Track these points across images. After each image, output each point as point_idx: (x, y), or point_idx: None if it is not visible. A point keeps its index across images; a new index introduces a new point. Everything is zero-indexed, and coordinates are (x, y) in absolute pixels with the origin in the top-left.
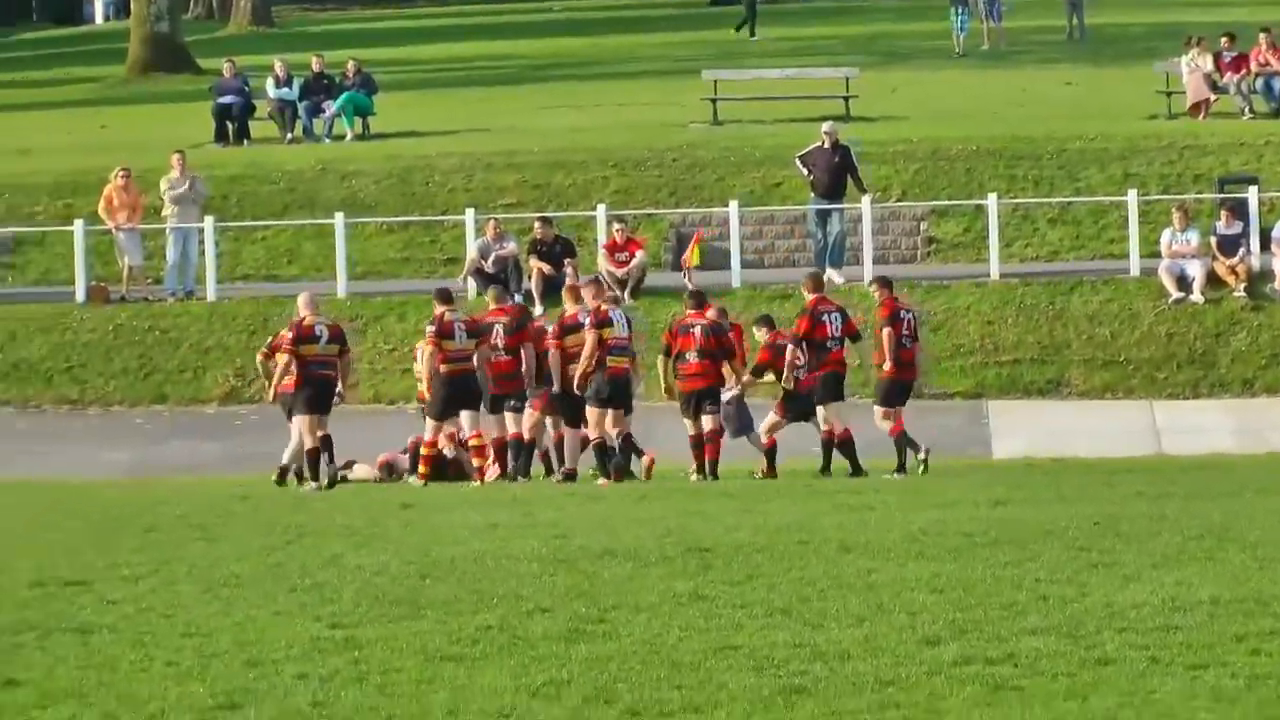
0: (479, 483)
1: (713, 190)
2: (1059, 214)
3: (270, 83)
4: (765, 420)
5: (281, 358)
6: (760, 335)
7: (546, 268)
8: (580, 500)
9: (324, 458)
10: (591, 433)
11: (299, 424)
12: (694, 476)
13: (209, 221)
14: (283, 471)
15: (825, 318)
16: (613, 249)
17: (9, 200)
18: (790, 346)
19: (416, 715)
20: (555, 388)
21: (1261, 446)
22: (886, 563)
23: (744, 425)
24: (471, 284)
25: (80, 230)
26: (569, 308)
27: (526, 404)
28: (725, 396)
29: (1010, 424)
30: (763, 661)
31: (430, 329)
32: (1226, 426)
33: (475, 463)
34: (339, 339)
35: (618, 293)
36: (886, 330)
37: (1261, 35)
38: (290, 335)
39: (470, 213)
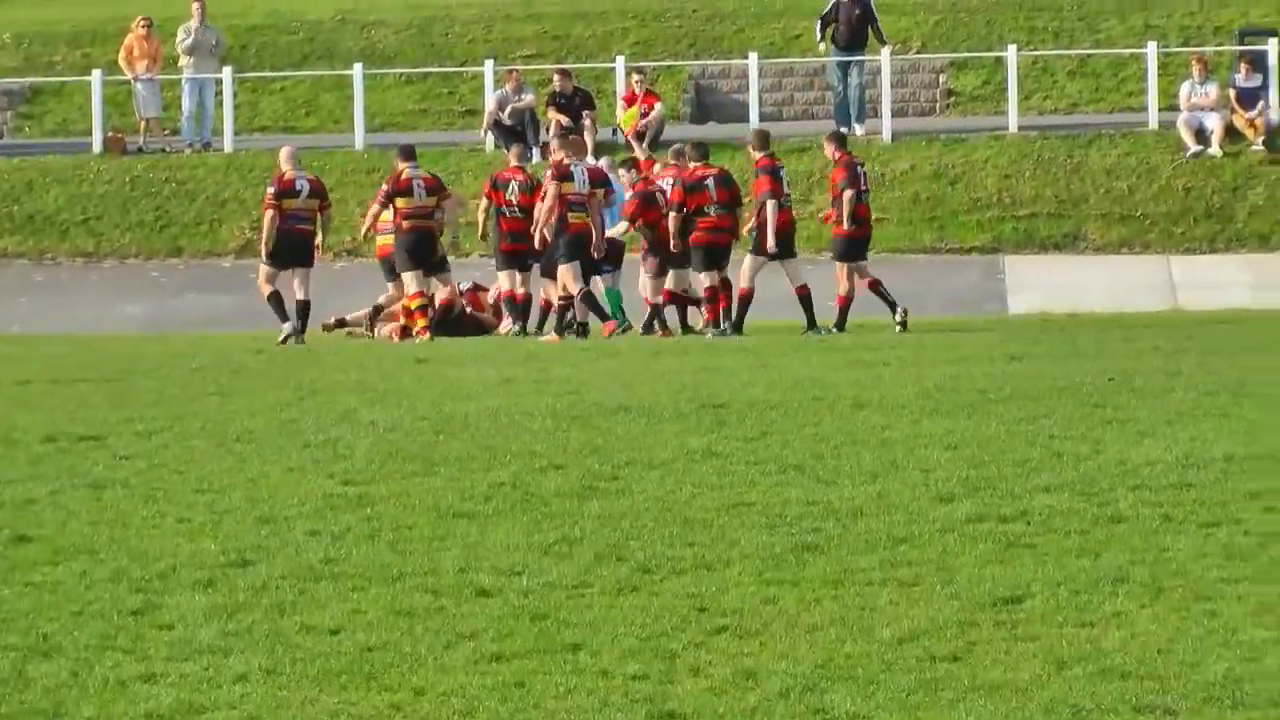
0: (421, 339)
1: (732, 41)
2: (1078, 66)
3: None
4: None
5: (265, 214)
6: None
7: (565, 119)
8: (595, 356)
9: (292, 314)
10: (560, 290)
11: (262, 271)
12: (710, 331)
13: (227, 72)
14: (339, 322)
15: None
16: (630, 100)
17: (27, 49)
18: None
19: (428, 572)
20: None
21: (1278, 302)
22: (900, 419)
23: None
24: (490, 137)
25: (98, 80)
26: (563, 158)
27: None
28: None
29: (1026, 279)
30: (775, 519)
31: (384, 186)
32: (1243, 281)
33: (417, 321)
34: (319, 193)
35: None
36: (848, 192)
37: None
38: (271, 190)
39: (489, 64)
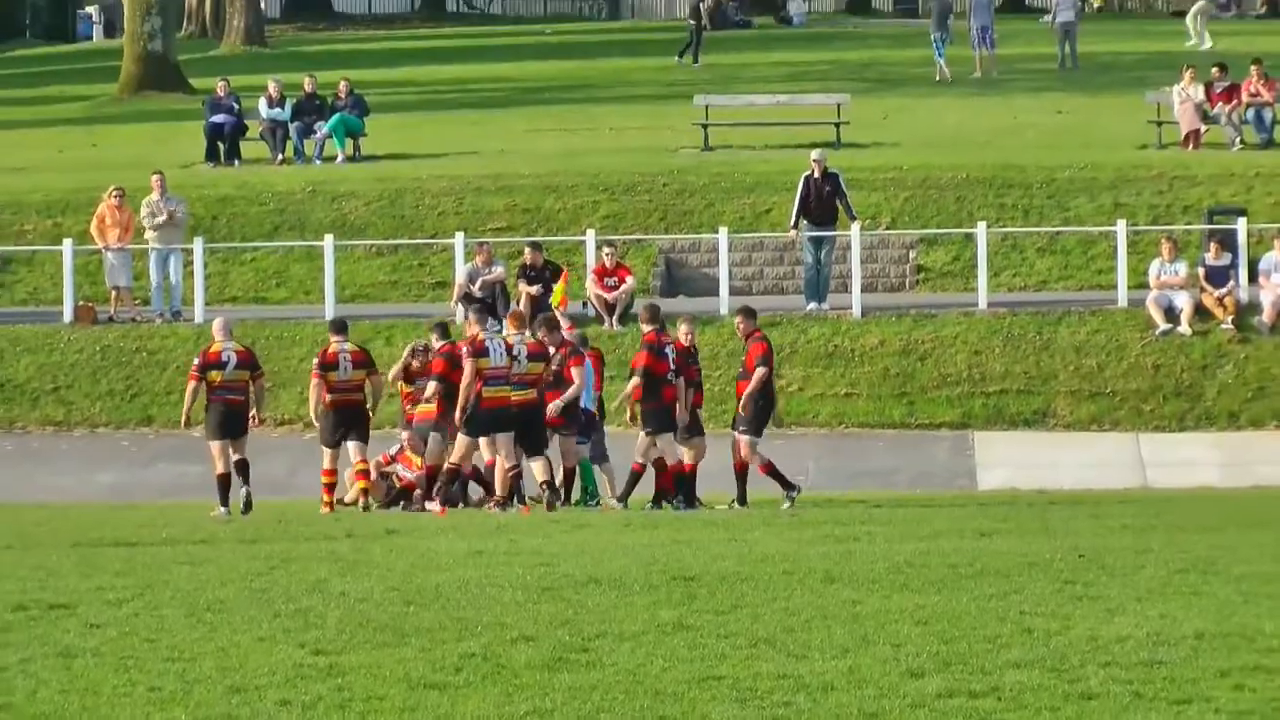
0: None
1: (702, 216)
2: (1048, 243)
3: (263, 102)
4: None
5: (189, 384)
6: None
7: (535, 291)
8: (565, 528)
9: (238, 481)
10: (453, 457)
11: (211, 449)
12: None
13: (198, 242)
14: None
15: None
16: (601, 274)
17: None
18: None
19: None
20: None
21: (1247, 480)
22: (871, 594)
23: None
24: (460, 308)
25: (69, 250)
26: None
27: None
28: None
29: (996, 455)
30: (746, 692)
31: (315, 362)
32: (1212, 459)
33: (359, 484)
34: (247, 364)
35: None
36: (762, 370)
37: (1253, 66)
38: (196, 362)
39: (460, 236)
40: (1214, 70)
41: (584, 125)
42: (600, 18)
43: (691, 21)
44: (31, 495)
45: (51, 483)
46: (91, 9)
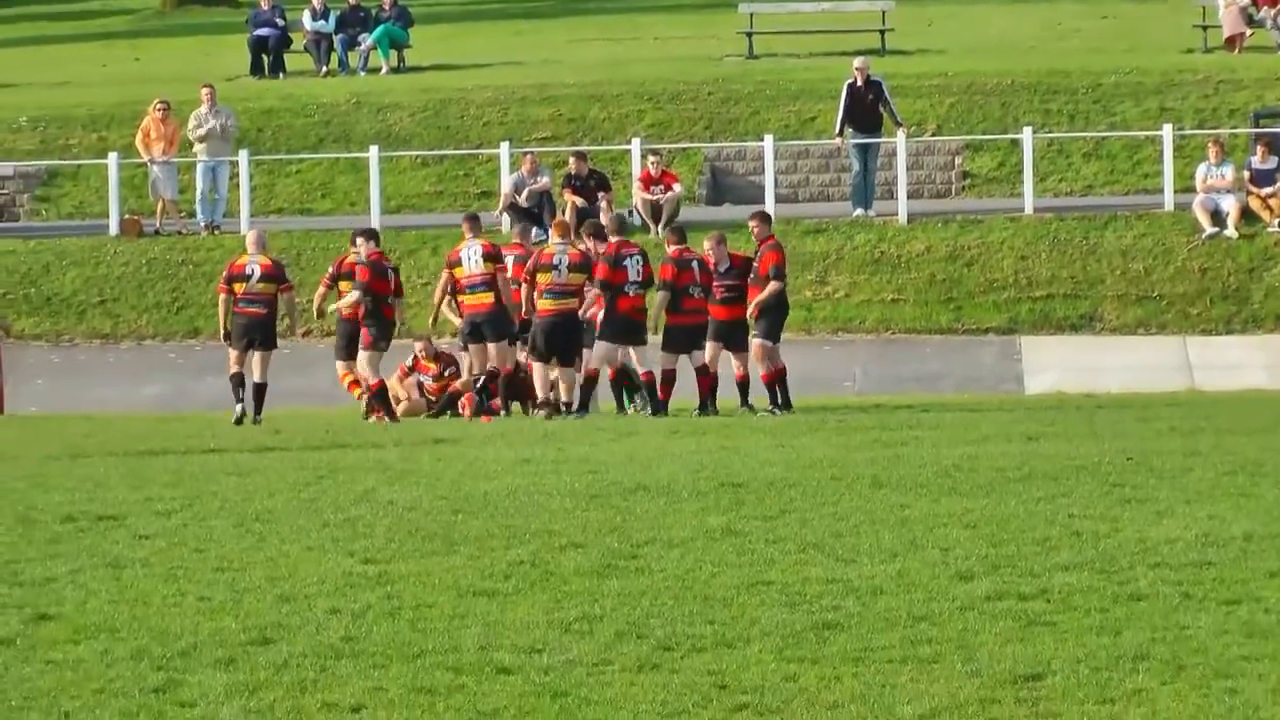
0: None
1: (747, 124)
2: (1094, 148)
3: (306, 15)
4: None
5: (219, 297)
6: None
7: (580, 201)
8: (612, 435)
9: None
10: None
11: (229, 356)
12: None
13: (243, 154)
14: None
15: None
16: (647, 181)
17: (44, 133)
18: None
19: (449, 650)
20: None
21: None
22: (919, 498)
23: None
24: (506, 219)
25: (114, 163)
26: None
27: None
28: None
29: (1043, 359)
30: (795, 597)
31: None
32: (1259, 362)
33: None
34: (273, 276)
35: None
36: (776, 283)
37: None
38: (225, 274)
39: (505, 146)
40: None
41: (628, 34)
42: None
43: None
44: (79, 407)
45: (98, 395)
46: None
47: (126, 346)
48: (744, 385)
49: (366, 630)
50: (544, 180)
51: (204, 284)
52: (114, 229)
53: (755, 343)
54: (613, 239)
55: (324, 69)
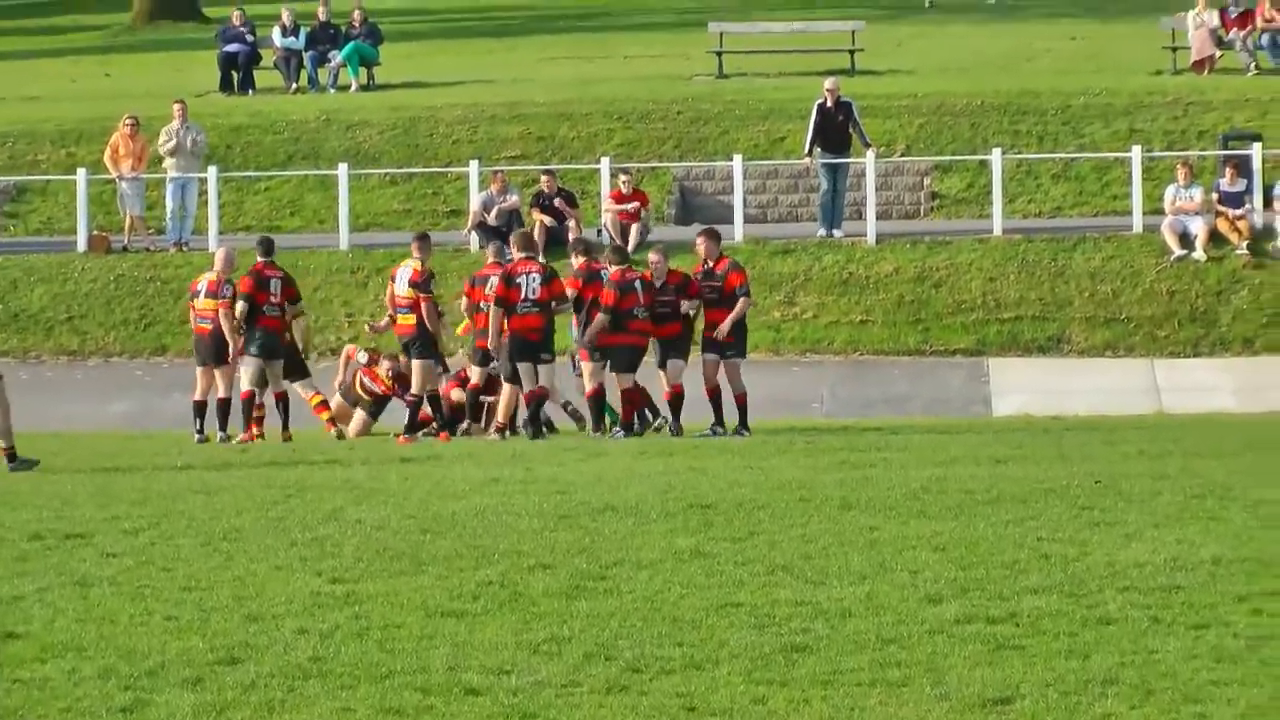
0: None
1: (717, 144)
2: (1062, 169)
3: (276, 31)
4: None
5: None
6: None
7: (549, 220)
8: (580, 456)
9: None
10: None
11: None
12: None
13: (212, 171)
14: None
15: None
16: (619, 199)
17: (12, 148)
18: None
19: (417, 670)
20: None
21: (1261, 405)
22: (888, 520)
23: None
24: (474, 237)
25: (83, 179)
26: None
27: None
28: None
29: (1011, 381)
30: (764, 619)
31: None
32: (1227, 385)
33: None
34: (214, 293)
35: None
36: (745, 300)
37: None
38: (236, 291)
39: (474, 164)
40: None
41: (598, 53)
42: None
43: None
44: (46, 425)
45: (65, 411)
46: None
47: (94, 363)
48: (677, 401)
49: (334, 650)
50: (513, 199)
51: (172, 301)
52: (82, 245)
53: (732, 362)
54: (517, 255)
55: (293, 86)
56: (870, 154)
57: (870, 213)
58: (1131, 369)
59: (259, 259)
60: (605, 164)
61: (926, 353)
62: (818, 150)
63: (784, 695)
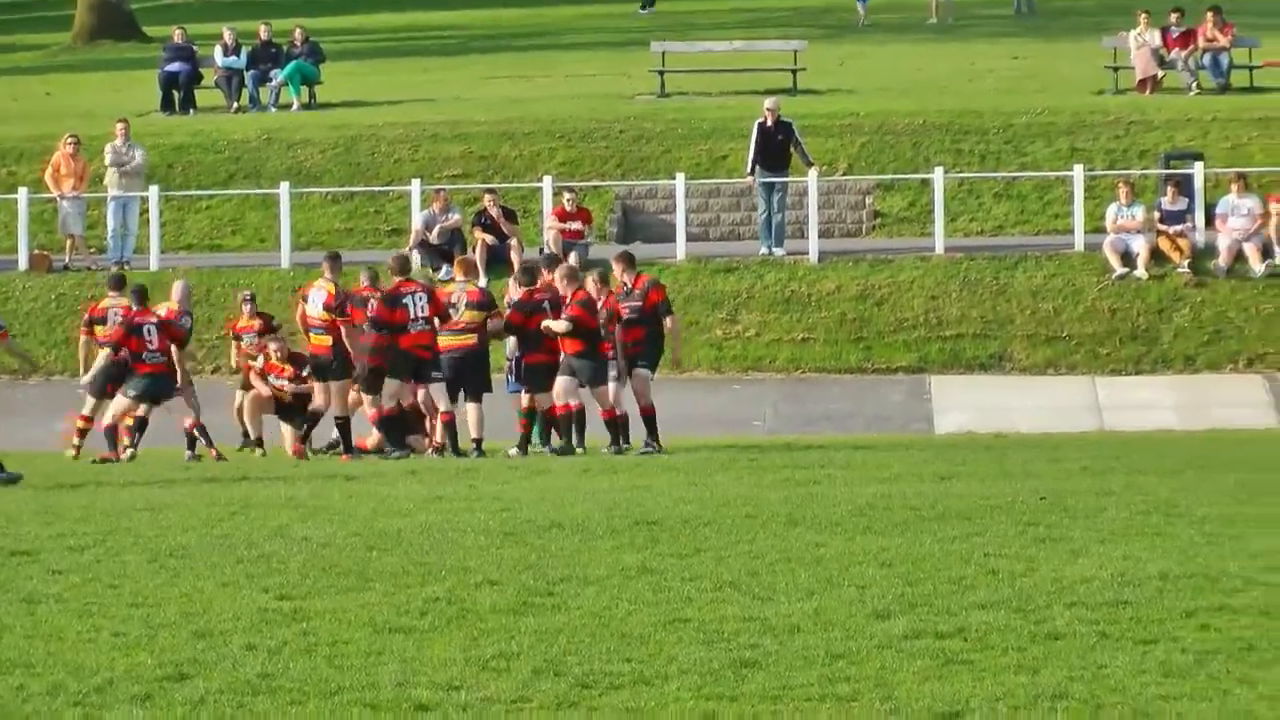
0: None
1: (659, 162)
2: (1004, 188)
3: (218, 50)
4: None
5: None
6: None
7: (490, 238)
8: (525, 474)
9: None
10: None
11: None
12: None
13: (153, 190)
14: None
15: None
16: (563, 217)
17: None
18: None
19: (366, 686)
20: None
21: (1203, 422)
22: (834, 537)
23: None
24: (416, 256)
25: (24, 198)
26: (453, 282)
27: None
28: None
29: (952, 399)
30: (712, 634)
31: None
32: (1168, 403)
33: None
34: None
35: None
36: (673, 318)
37: (1209, 12)
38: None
39: (416, 183)
40: (1170, 15)
41: (540, 72)
42: None
43: None
44: None
45: (8, 431)
46: None
47: (35, 382)
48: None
49: (283, 667)
50: (455, 217)
51: None
52: (23, 264)
53: (640, 374)
54: (395, 278)
55: (235, 105)
56: (812, 173)
57: (813, 231)
58: (1073, 387)
59: (123, 303)
60: (548, 182)
61: (868, 371)
62: (759, 170)
63: (734, 711)
